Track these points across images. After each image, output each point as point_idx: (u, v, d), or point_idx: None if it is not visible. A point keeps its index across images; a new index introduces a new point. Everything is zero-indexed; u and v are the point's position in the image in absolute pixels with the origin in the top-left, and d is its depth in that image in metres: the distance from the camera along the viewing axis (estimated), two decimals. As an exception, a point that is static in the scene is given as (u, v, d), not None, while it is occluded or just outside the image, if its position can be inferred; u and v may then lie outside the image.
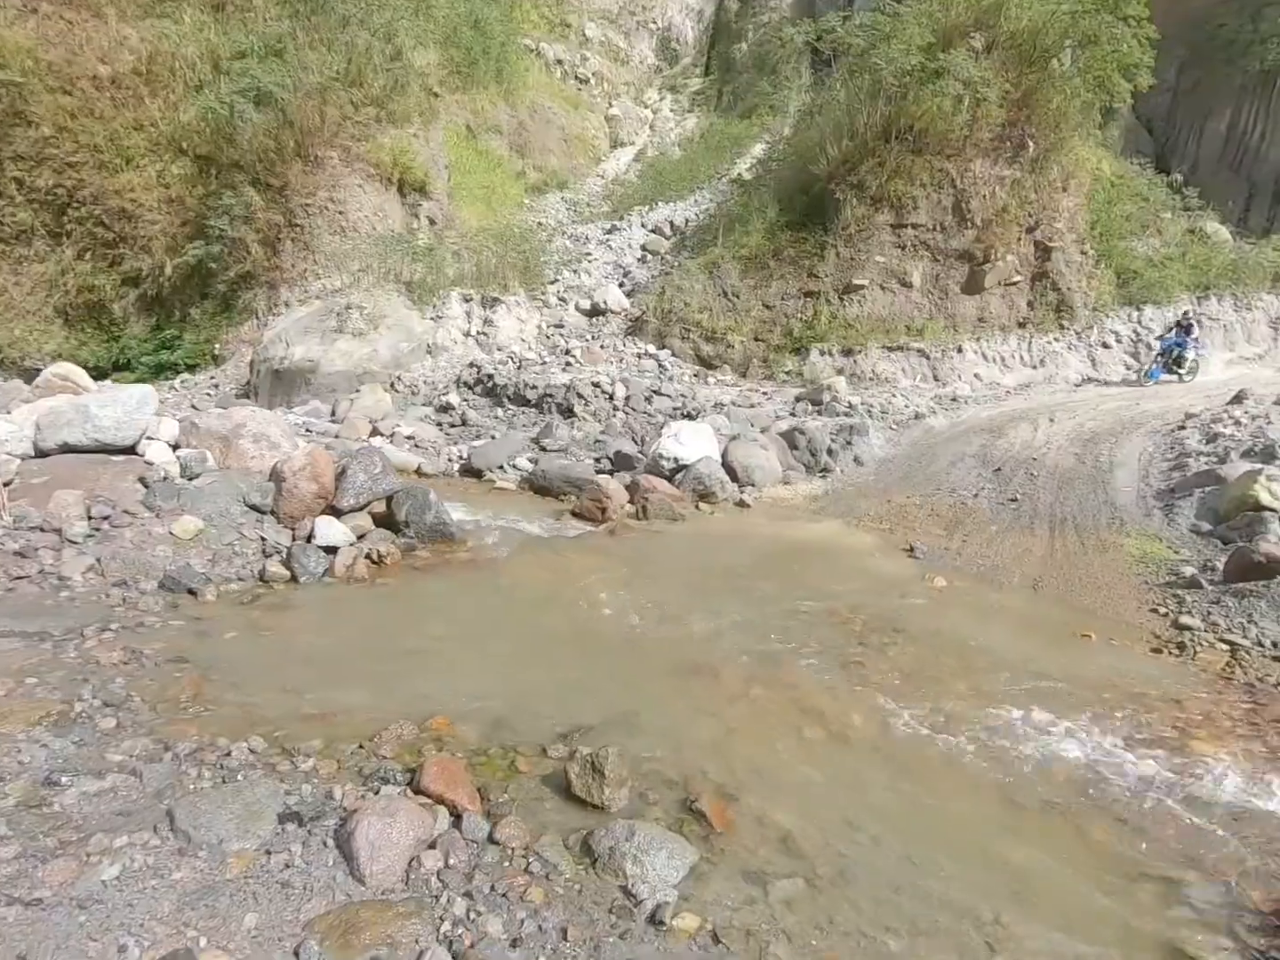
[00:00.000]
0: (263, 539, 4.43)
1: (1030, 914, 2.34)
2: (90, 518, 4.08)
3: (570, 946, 1.96)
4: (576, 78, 22.58)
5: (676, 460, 7.83)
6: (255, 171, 14.50)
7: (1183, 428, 9.95)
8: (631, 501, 7.02)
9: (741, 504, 7.57)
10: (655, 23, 24.05)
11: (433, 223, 16.51)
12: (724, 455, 8.26)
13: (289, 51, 14.63)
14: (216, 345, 15.19)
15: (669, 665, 3.82)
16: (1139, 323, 14.83)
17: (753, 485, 8.08)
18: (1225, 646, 4.69)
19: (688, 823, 2.57)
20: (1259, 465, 7.37)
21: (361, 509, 4.96)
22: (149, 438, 4.90)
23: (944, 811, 2.87)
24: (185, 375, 14.98)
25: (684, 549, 5.97)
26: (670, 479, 7.68)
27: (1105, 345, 14.62)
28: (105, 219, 15.10)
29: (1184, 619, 5.08)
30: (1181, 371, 13.50)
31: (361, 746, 2.74)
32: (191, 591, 3.87)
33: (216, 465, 5.00)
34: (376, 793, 2.40)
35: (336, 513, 4.80)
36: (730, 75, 23.20)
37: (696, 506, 7.35)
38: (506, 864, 2.24)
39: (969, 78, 12.51)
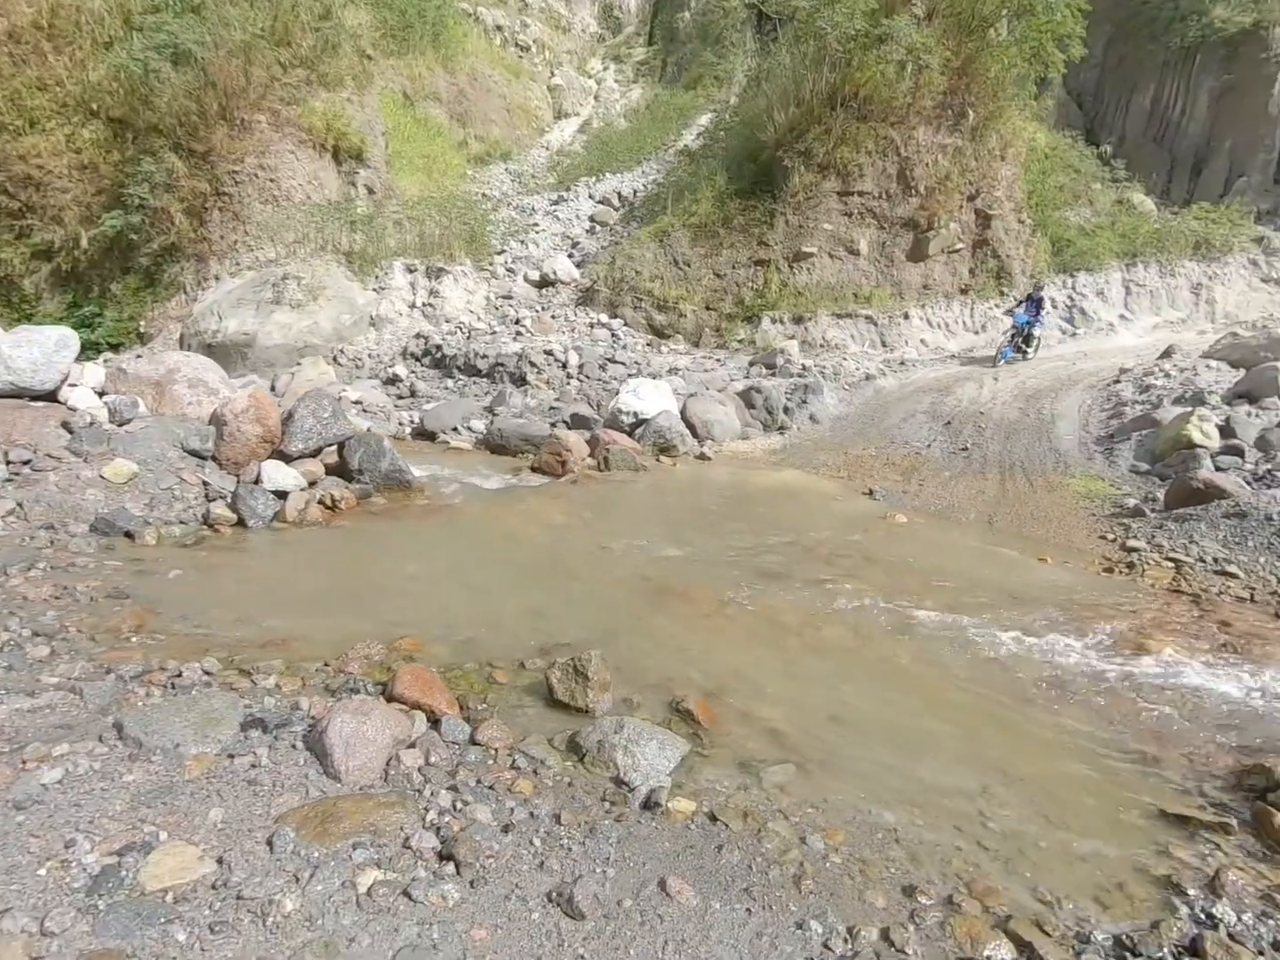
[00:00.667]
0: (205, 483, 4.15)
1: (1017, 786, 2.37)
2: (9, 462, 3.74)
3: (565, 830, 1.87)
4: (517, 45, 21.98)
5: (636, 415, 7.74)
6: (176, 136, 13.58)
7: (1118, 381, 10.37)
8: (592, 455, 6.89)
9: (702, 457, 7.53)
10: (597, -11, 23.61)
11: (371, 192, 15.84)
12: (683, 411, 8.22)
13: (208, 6, 13.73)
14: (141, 322, 14.26)
15: (644, 590, 3.75)
16: (1073, 289, 15.39)
17: (712, 440, 8.06)
18: (1170, 564, 4.89)
19: (675, 722, 2.51)
20: (1189, 409, 7.72)
21: (313, 455, 4.71)
22: (71, 384, 4.53)
23: (923, 705, 2.89)
24: (108, 355, 14.06)
25: (649, 495, 5.90)
26: (630, 433, 7.58)
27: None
28: (9, 187, 13.96)
29: (1131, 542, 5.29)
30: (1029, 350, 12.74)
31: (326, 665, 2.58)
32: (128, 534, 3.58)
33: (149, 411, 4.66)
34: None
35: (285, 458, 4.53)
36: (674, 45, 22.95)
37: (657, 459, 7.28)
38: (491, 761, 2.13)
39: (911, 44, 12.66)
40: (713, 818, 2.02)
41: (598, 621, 3.34)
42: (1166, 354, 11.12)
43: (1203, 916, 1.81)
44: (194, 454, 4.36)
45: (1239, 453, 6.54)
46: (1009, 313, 13.35)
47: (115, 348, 13.70)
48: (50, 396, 4.43)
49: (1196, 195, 17.10)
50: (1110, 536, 5.53)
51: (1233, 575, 4.65)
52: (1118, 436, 8.26)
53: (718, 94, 19.78)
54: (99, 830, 1.57)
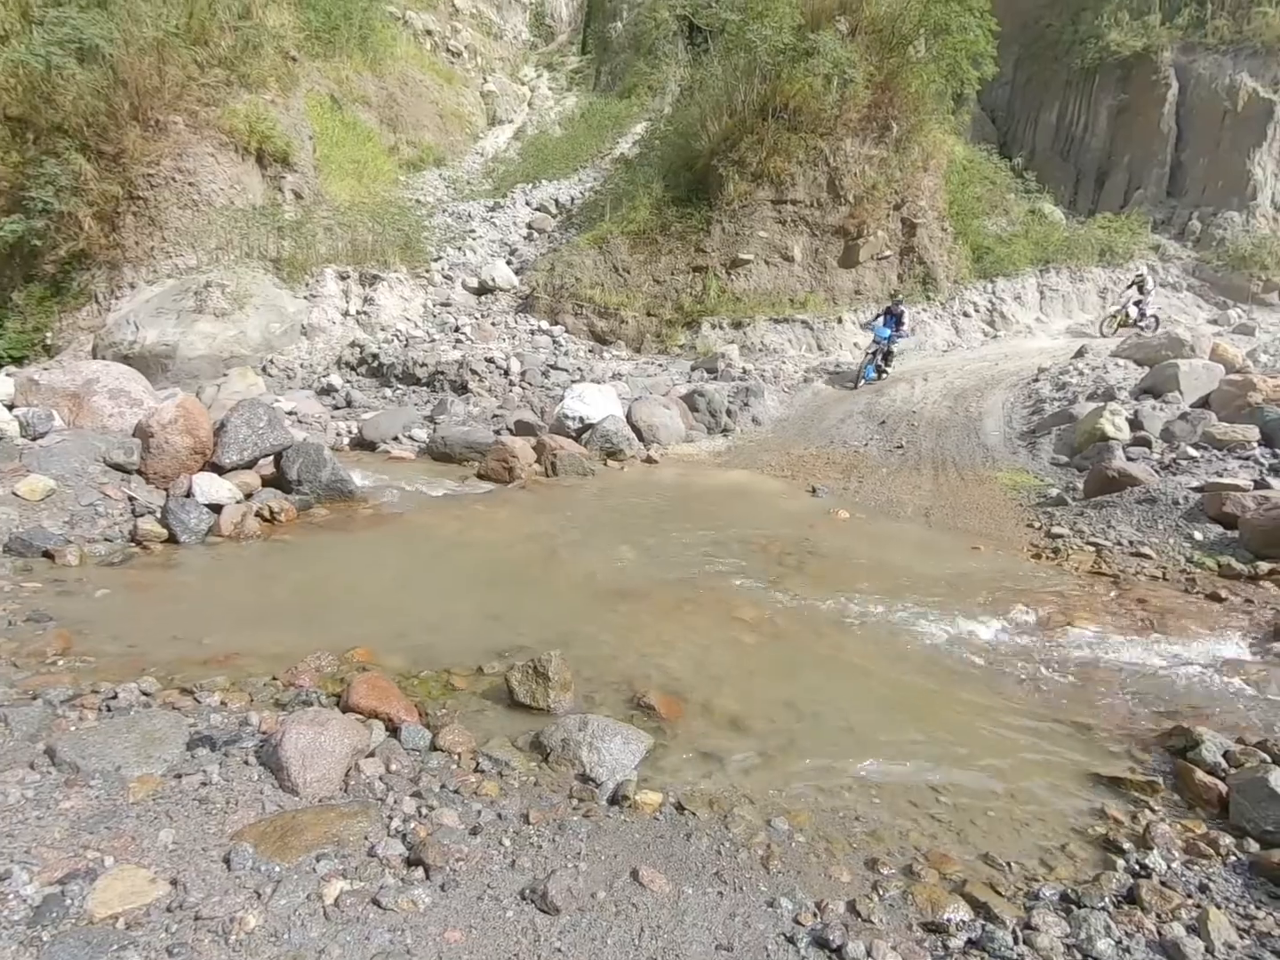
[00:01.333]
0: (131, 499, 3.93)
1: (966, 759, 2.48)
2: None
3: (534, 829, 1.86)
4: (449, 50, 21.73)
5: (582, 419, 7.74)
6: (84, 136, 12.81)
7: (1036, 380, 10.97)
8: (539, 460, 6.85)
9: (649, 460, 7.59)
10: (528, -2, 23.58)
11: (299, 197, 15.34)
12: (628, 415, 8.26)
13: (116, 1, 13.04)
14: (48, 334, 13.37)
15: (596, 591, 3.75)
16: (993, 294, 16.21)
17: (658, 443, 8.13)
18: (1092, 548, 5.21)
19: (638, 717, 2.52)
20: (1102, 404, 8.23)
21: (248, 466, 4.52)
22: (-24, 397, 4.22)
23: (873, 688, 2.99)
24: (11, 368, 13.12)
25: (599, 497, 5.90)
26: (577, 438, 7.57)
27: (966, 315, 15.88)
28: (-106, 189, 12.93)
29: (1055, 529, 5.60)
30: (888, 370, 12.06)
31: (274, 679, 2.48)
32: (48, 554, 3.36)
33: (66, 424, 4.38)
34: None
35: (218, 470, 4.34)
36: (607, 55, 23.13)
37: (605, 463, 7.29)
38: (454, 766, 2.10)
39: (837, 58, 13.14)
40: (680, 807, 2.04)
41: (554, 624, 3.32)
42: (1080, 354, 11.83)
43: (1137, 868, 1.94)
44: (118, 468, 4.12)
45: (1147, 443, 7.01)
46: (867, 326, 12.76)
47: (18, 361, 12.77)
48: (-47, 410, 4.12)
49: (1100, 206, 18.30)
50: (1036, 525, 5.85)
51: (1147, 556, 4.98)
52: (1039, 431, 8.73)
53: (652, 103, 20.03)
54: (37, 860, 1.47)
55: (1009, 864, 1.94)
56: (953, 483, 7.30)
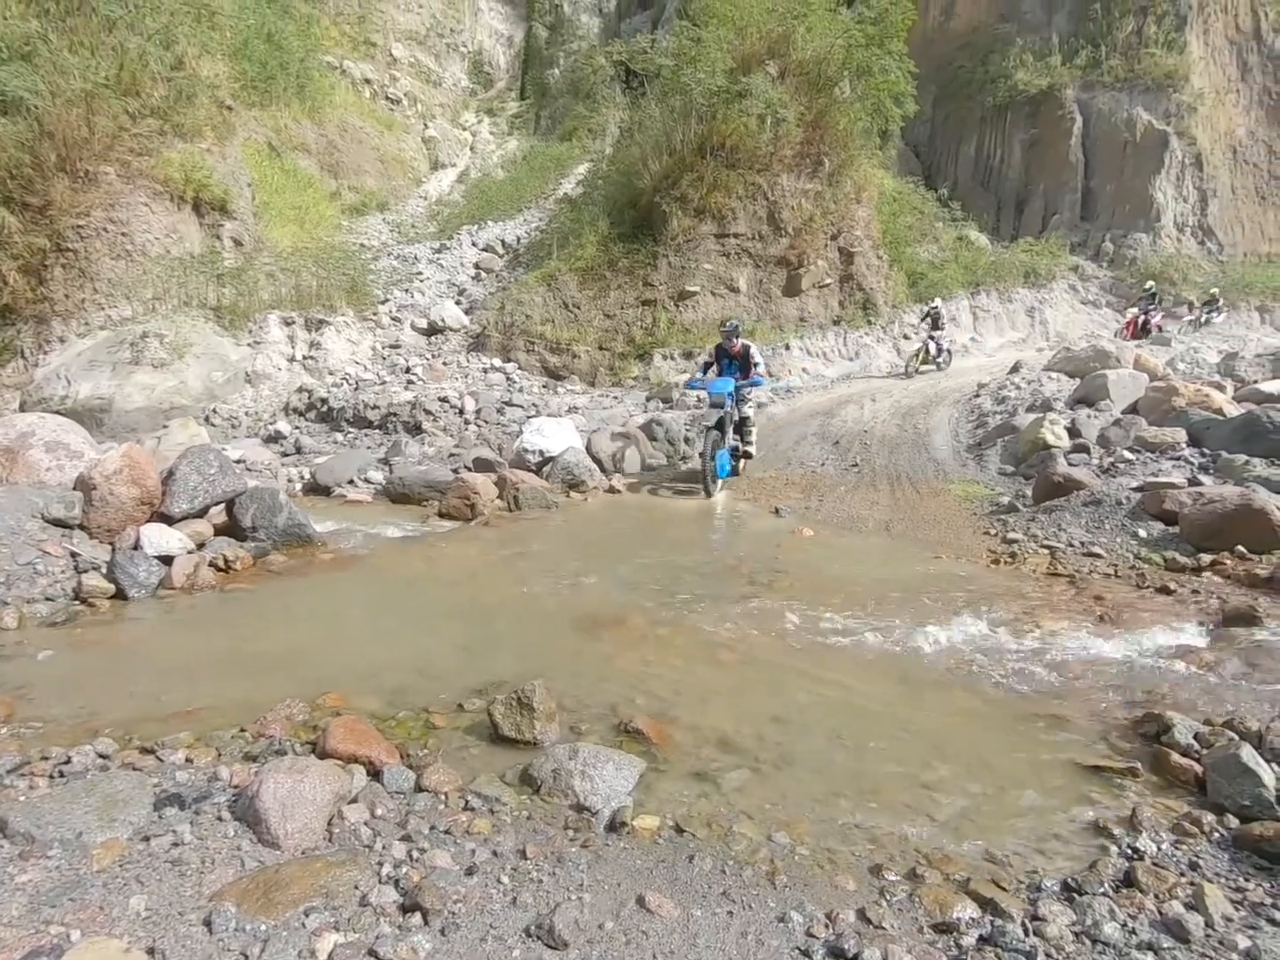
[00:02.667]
0: (74, 554, 3.72)
1: (954, 760, 2.50)
2: None
3: (531, 864, 1.79)
4: (388, 98, 21.92)
5: (542, 452, 7.70)
6: (7, 189, 12.40)
7: (978, 395, 11.43)
8: (501, 496, 6.77)
9: (612, 490, 7.58)
10: (465, 46, 24.04)
11: (239, 244, 15.10)
12: (588, 447, 8.26)
13: (40, 54, 12.78)
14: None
15: (571, 621, 3.70)
16: (929, 316, 16.93)
17: (620, 473, 8.14)
18: (1046, 551, 5.39)
19: (626, 742, 2.47)
20: (1041, 414, 8.61)
21: (199, 515, 4.34)
22: (-102, 456, 3.96)
23: (856, 698, 3.01)
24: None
25: (565, 529, 5.85)
26: (538, 472, 7.52)
27: (905, 337, 16.52)
28: None
29: (1010, 535, 5.79)
30: (750, 445, 8.32)
31: (243, 730, 2.35)
32: (-18, 616, 3.14)
33: (-1, 480, 4.15)
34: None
35: (168, 520, 4.15)
36: (546, 100, 23.69)
37: (568, 495, 7.25)
38: (442, 806, 2.01)
39: (769, 99, 13.74)
40: (679, 829, 2.00)
41: (530, 656, 3.26)
42: (1015, 369, 12.42)
43: (1130, 851, 1.97)
44: (58, 523, 3.90)
45: (1086, 449, 7.35)
46: (691, 384, 9.02)
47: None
48: None
49: (1021, 231, 19.43)
50: (992, 532, 6.03)
51: (1098, 555, 5.19)
52: (985, 444, 9.07)
53: (593, 145, 20.53)
54: (-6, 940, 1.35)
55: (1008, 858, 1.96)
56: (909, 497, 7.48)
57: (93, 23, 13.62)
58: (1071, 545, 5.42)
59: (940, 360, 14.87)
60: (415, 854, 1.76)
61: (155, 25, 14.09)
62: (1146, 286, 16.14)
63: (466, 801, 2.03)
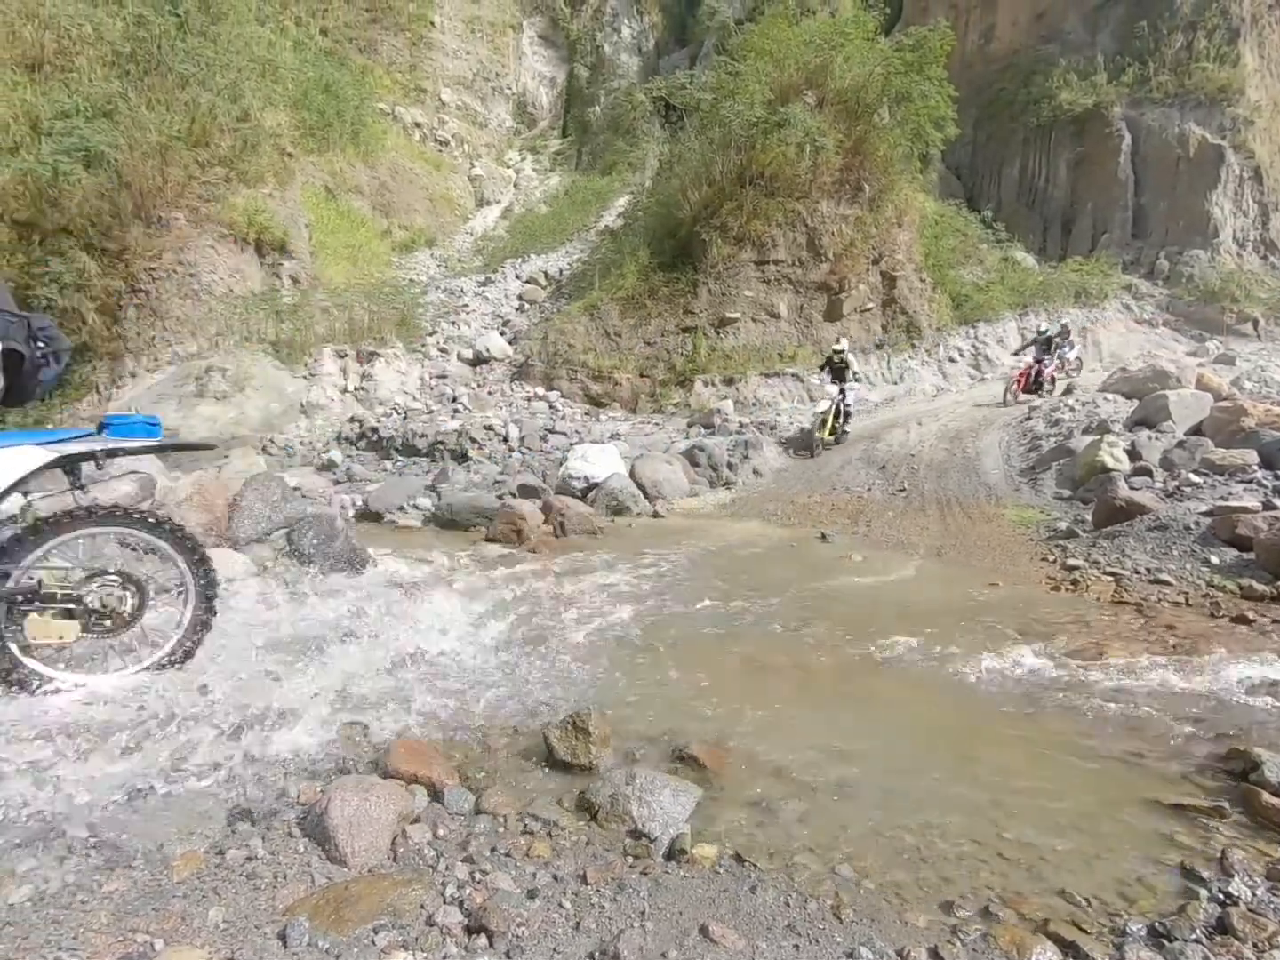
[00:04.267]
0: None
1: (1023, 794, 2.40)
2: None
3: (592, 889, 1.78)
4: (436, 140, 22.85)
5: (587, 479, 7.78)
6: (88, 236, 13.27)
7: (1029, 418, 11.16)
8: (547, 521, 6.85)
9: (656, 515, 7.60)
10: (510, 88, 24.97)
11: (296, 282, 15.82)
12: (631, 473, 8.32)
13: (121, 112, 13.74)
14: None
15: (620, 647, 3.70)
16: (976, 339, 16.67)
17: (663, 498, 8.16)
18: (1110, 578, 5.19)
19: (681, 769, 2.45)
20: (1098, 437, 8.35)
21: (262, 541, 4.50)
22: (-9, 485, 4.22)
23: (914, 729, 2.92)
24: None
25: (609, 556, 5.87)
26: (582, 498, 7.60)
27: (951, 360, 16.28)
28: (-96, 294, 13.21)
29: (1070, 561, 5.59)
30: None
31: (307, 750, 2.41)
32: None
33: (80, 507, 4.37)
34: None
35: (234, 545, 4.32)
36: (587, 136, 24.37)
37: (612, 520, 7.30)
38: (501, 829, 2.02)
39: (808, 128, 13.88)
40: (739, 859, 1.96)
41: (580, 680, 3.26)
42: (1068, 391, 12.09)
43: (1222, 896, 1.86)
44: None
45: (1148, 472, 7.09)
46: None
47: (16, 452, 12.83)
48: (-33, 499, 4.11)
49: (1069, 251, 19.05)
50: (1050, 558, 5.84)
51: (1166, 583, 4.97)
52: (1039, 467, 8.83)
53: (632, 178, 21.00)
54: (85, 946, 1.40)
55: (1087, 900, 1.86)
56: (960, 522, 7.31)
57: (168, 81, 14.62)
58: (1137, 572, 5.21)
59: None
60: (478, 875, 1.77)
61: (224, 81, 15.04)
62: (1042, 330, 13.65)
63: (525, 825, 2.03)
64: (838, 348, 11.83)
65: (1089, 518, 6.52)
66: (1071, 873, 1.99)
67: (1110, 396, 11.16)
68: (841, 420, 11.38)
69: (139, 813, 1.87)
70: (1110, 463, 7.58)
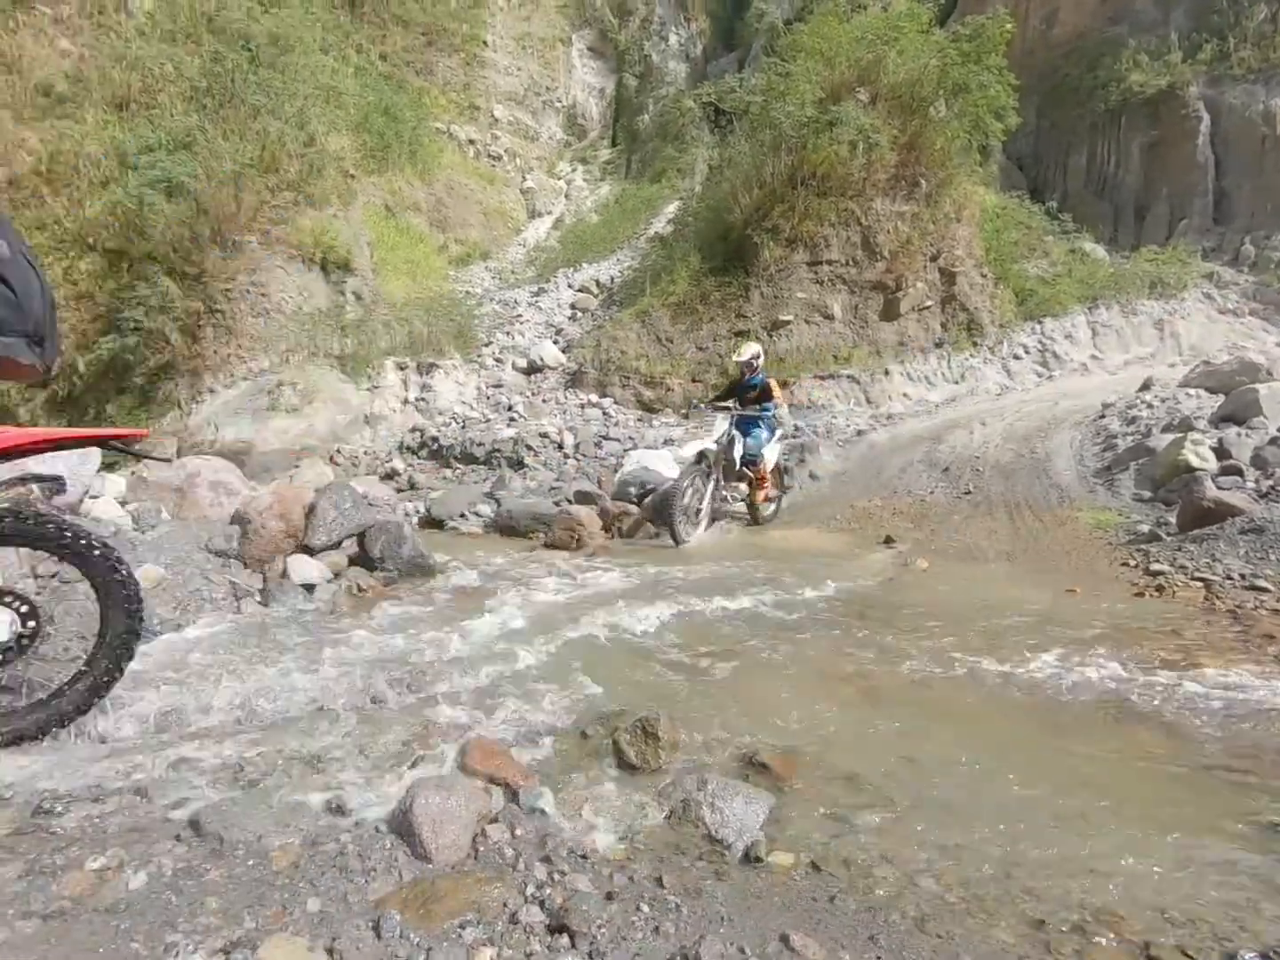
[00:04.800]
0: (232, 583, 4.11)
1: (1112, 811, 2.29)
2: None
3: (669, 892, 1.78)
4: (489, 155, 23.40)
5: (643, 484, 7.81)
6: (170, 261, 14.13)
7: (1103, 416, 10.66)
8: (605, 527, 6.91)
9: (713, 520, 7.55)
10: (560, 102, 25.39)
11: (359, 298, 16.43)
12: (688, 478, 8.28)
13: (199, 143, 14.60)
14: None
15: (688, 652, 3.70)
16: (1043, 335, 16.04)
17: (720, 503, 8.10)
18: (1199, 584, 4.91)
19: (752, 775, 2.43)
20: (1181, 434, 7.92)
21: (335, 546, 4.69)
22: (92, 496, 4.53)
23: (994, 740, 2.82)
24: (103, 474, 13.97)
25: (670, 560, 5.88)
26: (638, 503, 7.62)
27: (1016, 357, 15.70)
28: (7, 319, 14.28)
29: (1154, 566, 5.31)
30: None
31: (385, 746, 2.49)
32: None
33: (172, 517, 4.65)
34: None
35: (309, 551, 4.51)
36: (636, 145, 24.55)
37: (670, 526, 7.28)
38: (576, 830, 2.05)
39: (860, 125, 13.65)
40: (816, 868, 1.94)
41: (647, 686, 3.28)
42: (1145, 387, 11.50)
43: (1343, 923, 1.73)
44: (219, 554, 4.33)
45: (1238, 472, 6.67)
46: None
47: (110, 466, 13.69)
48: (72, 510, 4.43)
49: (1143, 240, 18.14)
50: (1132, 563, 5.56)
51: (1264, 589, 4.66)
52: (1115, 468, 8.41)
53: (682, 184, 21.03)
54: (198, 929, 1.48)
55: (1192, 922, 1.76)
56: (1031, 525, 7.04)
57: (241, 112, 15.46)
58: (1230, 578, 4.91)
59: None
60: (556, 876, 1.80)
61: (292, 109, 15.81)
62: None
63: (599, 827, 2.05)
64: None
65: (1173, 520, 6.17)
66: (1174, 894, 1.89)
67: (1192, 391, 10.56)
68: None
69: (238, 804, 1.97)
70: (1195, 462, 7.16)
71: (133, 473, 4.90)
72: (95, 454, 4.65)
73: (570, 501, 8.51)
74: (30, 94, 15.01)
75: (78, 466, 4.40)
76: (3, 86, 14.68)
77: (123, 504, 4.63)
